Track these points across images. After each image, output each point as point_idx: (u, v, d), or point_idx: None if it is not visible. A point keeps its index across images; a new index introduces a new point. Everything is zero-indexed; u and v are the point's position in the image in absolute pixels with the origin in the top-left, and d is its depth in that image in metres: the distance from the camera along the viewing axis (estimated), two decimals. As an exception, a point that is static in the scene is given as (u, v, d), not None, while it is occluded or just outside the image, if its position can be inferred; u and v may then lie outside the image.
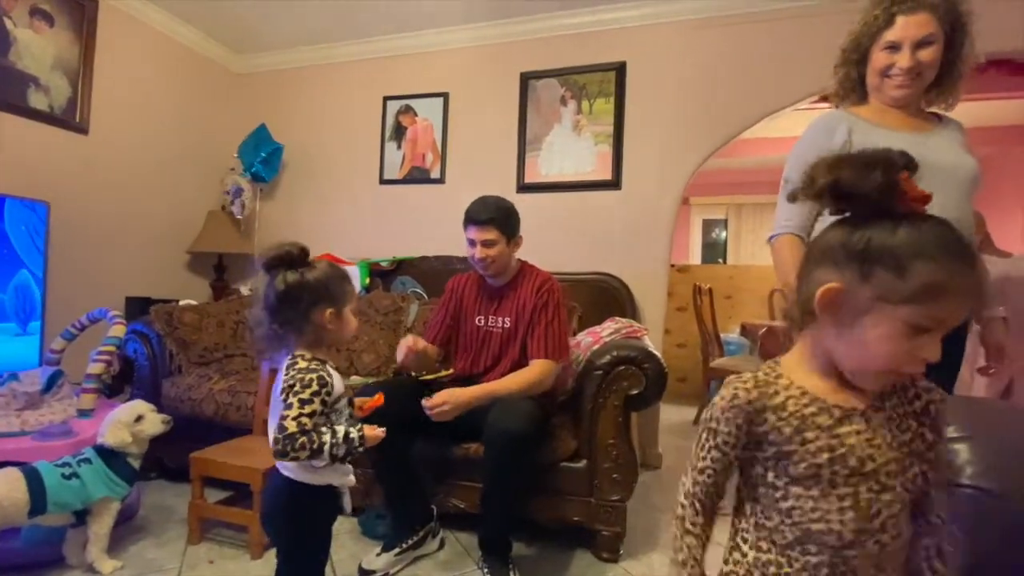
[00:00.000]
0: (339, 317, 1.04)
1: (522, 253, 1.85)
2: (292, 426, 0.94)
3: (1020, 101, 3.33)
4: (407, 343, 1.60)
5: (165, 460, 2.07)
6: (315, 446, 0.95)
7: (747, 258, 5.90)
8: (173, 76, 2.91)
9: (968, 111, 3.89)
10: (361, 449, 1.02)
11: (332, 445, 0.97)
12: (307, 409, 0.95)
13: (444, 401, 1.46)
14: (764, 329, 2.90)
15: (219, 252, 2.99)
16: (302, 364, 0.99)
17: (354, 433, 1.01)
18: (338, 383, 1.03)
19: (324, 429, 0.98)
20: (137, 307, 2.52)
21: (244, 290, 2.88)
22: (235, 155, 3.00)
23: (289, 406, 0.95)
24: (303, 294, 1.00)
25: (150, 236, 2.82)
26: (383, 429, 1.06)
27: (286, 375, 0.99)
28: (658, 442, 2.59)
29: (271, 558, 1.14)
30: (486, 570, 1.45)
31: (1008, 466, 0.74)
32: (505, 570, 1.45)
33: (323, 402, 0.98)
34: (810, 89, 2.37)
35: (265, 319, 1.01)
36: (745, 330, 3.44)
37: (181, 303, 2.36)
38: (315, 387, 0.97)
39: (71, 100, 2.41)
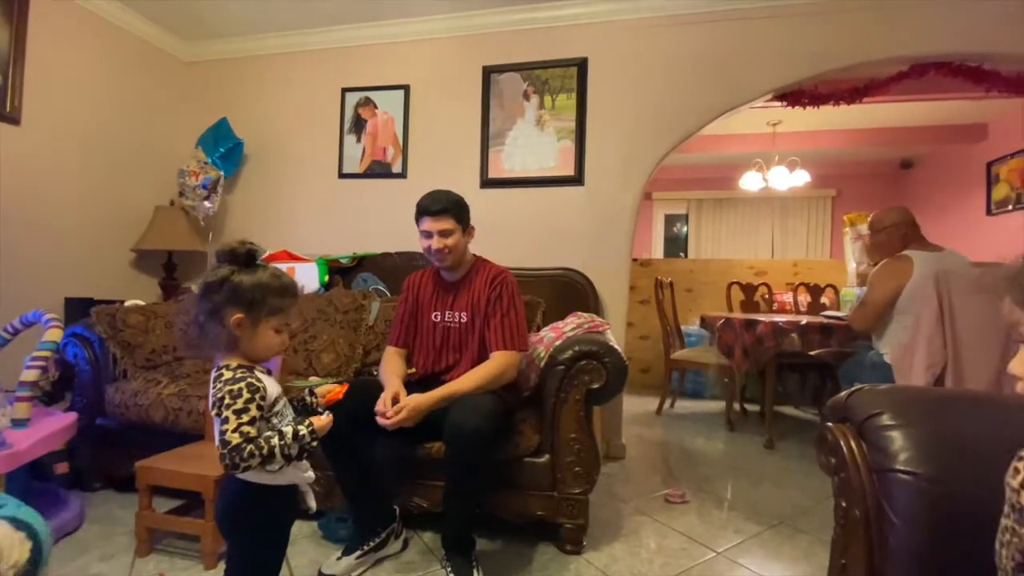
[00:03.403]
0: (252, 327, 0.99)
1: (486, 248, 1.85)
2: (235, 438, 0.92)
3: (956, 102, 3.52)
4: (392, 395, 1.48)
5: (111, 469, 1.97)
6: (264, 452, 0.93)
7: (707, 252, 6.06)
8: (114, 64, 2.74)
9: (907, 111, 4.10)
10: (315, 443, 1.00)
11: (282, 446, 0.95)
12: (245, 418, 0.93)
13: (401, 408, 1.43)
14: (722, 321, 2.98)
15: (169, 249, 2.86)
16: (227, 375, 0.97)
17: (303, 429, 0.99)
18: (271, 387, 1.01)
19: (270, 433, 0.96)
20: (78, 308, 2.38)
21: (195, 289, 2.75)
22: (196, 147, 2.85)
23: (225, 420, 0.93)
24: (219, 291, 0.98)
25: (91, 233, 2.66)
26: (329, 416, 1.04)
27: (214, 388, 0.97)
28: (622, 433, 2.64)
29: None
30: (449, 568, 1.44)
31: (938, 452, 0.78)
32: (469, 568, 1.44)
33: (259, 407, 0.96)
34: (766, 87, 2.45)
35: (192, 310, 1.01)
36: (704, 322, 3.54)
37: (126, 304, 2.24)
38: (246, 395, 0.94)
39: (1, 88, 2.24)
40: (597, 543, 1.70)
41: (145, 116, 2.91)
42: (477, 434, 1.37)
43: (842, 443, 0.85)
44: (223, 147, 2.88)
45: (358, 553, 1.51)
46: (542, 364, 1.77)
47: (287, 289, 1.03)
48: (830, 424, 0.90)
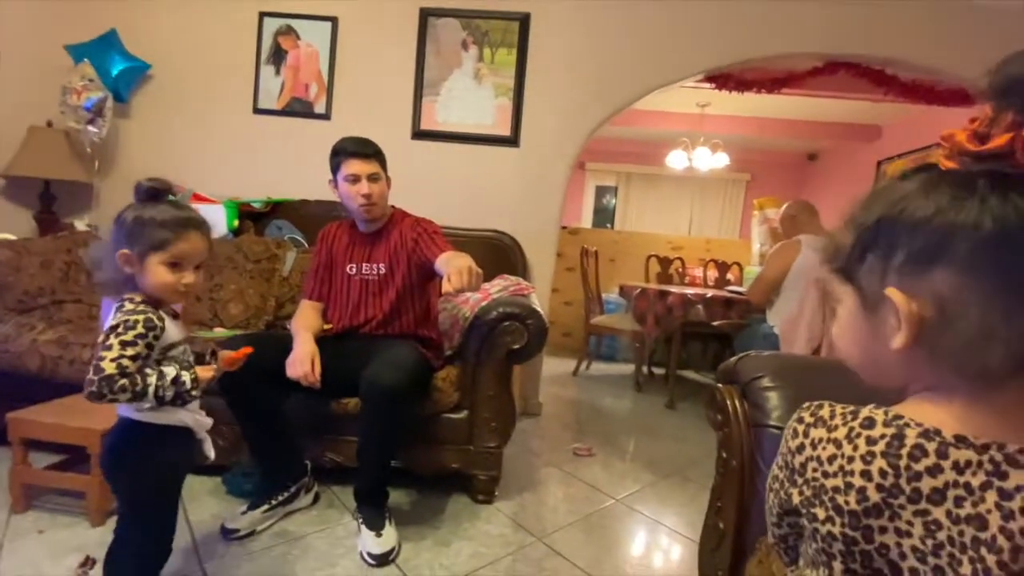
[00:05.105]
0: (139, 263, 0.93)
1: (415, 203, 1.79)
2: (111, 367, 0.87)
3: (858, 102, 3.85)
4: (306, 364, 1.43)
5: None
6: (138, 388, 0.89)
7: (633, 225, 6.31)
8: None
9: (817, 106, 4.41)
10: (195, 393, 0.96)
11: (158, 387, 0.91)
12: (129, 351, 0.88)
13: (463, 271, 1.26)
14: (638, 291, 3.15)
15: (46, 178, 2.49)
16: (129, 306, 0.92)
17: (185, 376, 0.95)
18: (171, 330, 0.96)
19: (149, 371, 0.92)
20: (-75, 238, 2.03)
21: (80, 225, 2.44)
22: (83, 60, 2.43)
23: (108, 347, 0.88)
24: (114, 227, 0.95)
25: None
26: (214, 369, 1.01)
27: (113, 316, 0.92)
28: (539, 392, 2.75)
29: (114, 524, 1.03)
30: (361, 520, 1.45)
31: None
32: (381, 519, 1.45)
33: (148, 346, 0.91)
34: (701, 66, 2.53)
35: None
36: (623, 291, 3.72)
37: (-10, 236, 1.95)
38: (140, 329, 0.90)
39: None
40: (508, 493, 1.79)
41: (14, 21, 2.45)
42: (394, 390, 1.36)
43: (728, 402, 0.95)
44: (121, 65, 2.51)
45: (264, 507, 1.47)
46: (466, 324, 1.78)
47: (173, 221, 0.94)
48: (720, 385, 0.99)
